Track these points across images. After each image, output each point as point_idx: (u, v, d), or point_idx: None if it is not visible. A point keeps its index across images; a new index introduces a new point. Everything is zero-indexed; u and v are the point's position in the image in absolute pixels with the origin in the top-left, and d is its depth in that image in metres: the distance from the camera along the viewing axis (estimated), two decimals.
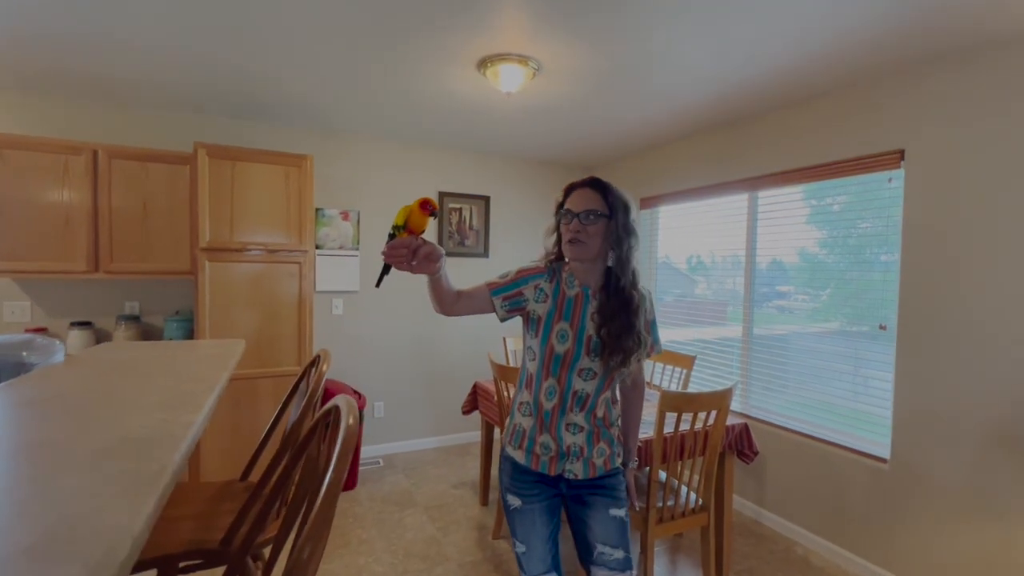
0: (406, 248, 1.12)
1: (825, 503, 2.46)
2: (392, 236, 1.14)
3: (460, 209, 3.83)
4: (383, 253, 1.13)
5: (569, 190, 1.36)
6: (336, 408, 0.92)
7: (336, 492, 0.72)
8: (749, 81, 2.35)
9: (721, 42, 1.97)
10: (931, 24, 1.78)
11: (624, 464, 1.45)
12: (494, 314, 1.34)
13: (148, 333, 2.91)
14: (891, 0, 1.64)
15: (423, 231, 1.17)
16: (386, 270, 1.20)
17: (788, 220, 2.76)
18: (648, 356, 1.38)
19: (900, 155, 2.19)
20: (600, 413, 1.36)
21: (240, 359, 2.24)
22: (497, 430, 2.63)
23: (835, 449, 2.43)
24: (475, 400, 2.92)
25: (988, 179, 1.91)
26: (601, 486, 1.36)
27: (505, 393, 2.36)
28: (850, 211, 2.47)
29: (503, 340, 3.23)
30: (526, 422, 1.37)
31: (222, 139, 3.04)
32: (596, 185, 1.32)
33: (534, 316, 1.34)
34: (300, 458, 1.06)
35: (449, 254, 3.79)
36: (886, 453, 2.24)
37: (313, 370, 1.50)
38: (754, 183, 2.87)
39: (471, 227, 3.87)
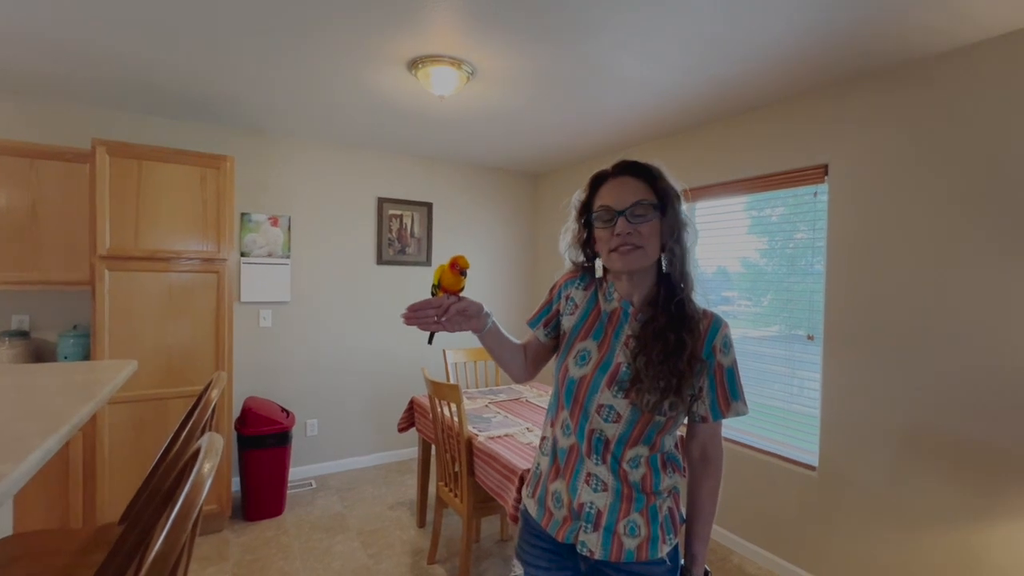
0: (435, 308, 1.01)
1: (759, 512, 2.48)
2: (433, 295, 1.10)
3: (401, 216, 3.68)
4: (403, 316, 1.02)
5: (597, 181, 1.04)
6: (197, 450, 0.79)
7: (167, 562, 0.60)
8: (685, 92, 2.37)
9: (657, 54, 1.96)
10: (852, 43, 1.84)
11: (684, 571, 1.04)
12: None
13: (39, 351, 2.59)
14: (814, 21, 1.67)
15: (460, 289, 1.10)
16: None
17: (729, 229, 2.80)
18: (715, 416, 1.00)
19: (824, 170, 2.26)
20: (635, 474, 0.98)
21: (126, 382, 2.00)
22: (435, 447, 2.50)
23: (769, 458, 2.46)
24: (412, 416, 2.78)
25: (904, 194, 1.99)
26: None
27: (440, 410, 2.25)
28: (787, 222, 2.54)
29: (443, 353, 3.12)
30: (544, 463, 1.09)
31: (131, 136, 2.78)
32: (637, 170, 0.99)
33: (563, 332, 1.11)
34: (165, 506, 0.91)
35: (389, 262, 3.63)
36: (815, 461, 2.28)
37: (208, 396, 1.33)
38: (692, 194, 2.91)
39: (412, 234, 3.73)
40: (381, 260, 3.60)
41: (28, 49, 2.05)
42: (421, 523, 2.76)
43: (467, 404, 2.61)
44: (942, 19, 1.65)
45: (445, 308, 1.01)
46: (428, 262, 3.79)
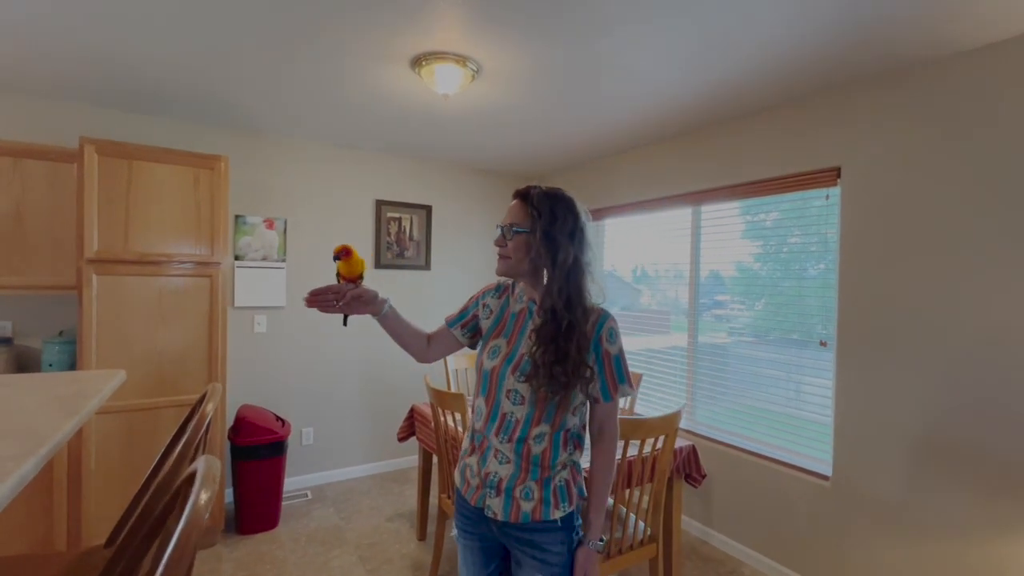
0: (334, 293, 1.19)
1: (771, 522, 2.42)
2: (337, 282, 1.26)
3: (399, 219, 3.60)
4: (304, 299, 1.18)
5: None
6: (192, 475, 0.71)
7: None
8: (694, 93, 2.32)
9: (666, 52, 1.91)
10: (864, 45, 1.79)
11: (579, 540, 1.17)
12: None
13: (22, 358, 2.48)
14: (826, 21, 1.63)
15: (356, 275, 1.27)
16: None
17: (728, 234, 2.76)
18: (606, 397, 1.16)
19: (836, 172, 2.21)
20: (537, 450, 1.14)
21: (115, 393, 1.91)
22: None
23: (779, 467, 2.40)
24: (412, 425, 2.69)
25: (920, 195, 1.94)
26: (528, 541, 1.13)
27: (442, 419, 2.16)
28: (781, 226, 2.51)
29: (444, 360, 3.03)
30: (466, 441, 1.28)
31: (120, 135, 2.68)
32: (521, 194, 1.20)
33: (481, 332, 1.30)
34: (155, 533, 0.83)
35: (388, 266, 3.55)
36: (828, 470, 2.22)
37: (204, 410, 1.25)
38: (698, 197, 2.86)
39: (411, 238, 3.66)
40: (379, 264, 3.52)
41: (12, 43, 1.96)
42: (422, 536, 2.67)
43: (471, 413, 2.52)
44: (959, 19, 1.61)
45: (343, 294, 1.19)
46: (427, 266, 3.71)
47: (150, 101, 2.59)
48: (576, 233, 1.15)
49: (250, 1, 1.64)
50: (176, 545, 0.55)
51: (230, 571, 2.33)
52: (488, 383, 1.19)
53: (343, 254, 1.25)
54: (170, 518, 0.80)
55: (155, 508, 0.94)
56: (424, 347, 1.32)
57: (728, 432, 2.71)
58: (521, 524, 1.13)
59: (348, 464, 3.45)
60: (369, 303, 1.22)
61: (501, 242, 1.20)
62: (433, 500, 2.89)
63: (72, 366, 2.39)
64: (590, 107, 2.54)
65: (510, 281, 1.30)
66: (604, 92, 2.33)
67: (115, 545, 1.11)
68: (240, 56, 2.04)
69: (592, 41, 1.85)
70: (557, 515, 1.13)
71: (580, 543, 1.16)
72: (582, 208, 1.19)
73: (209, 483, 0.64)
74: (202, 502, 0.61)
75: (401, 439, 2.70)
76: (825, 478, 2.23)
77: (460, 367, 3.04)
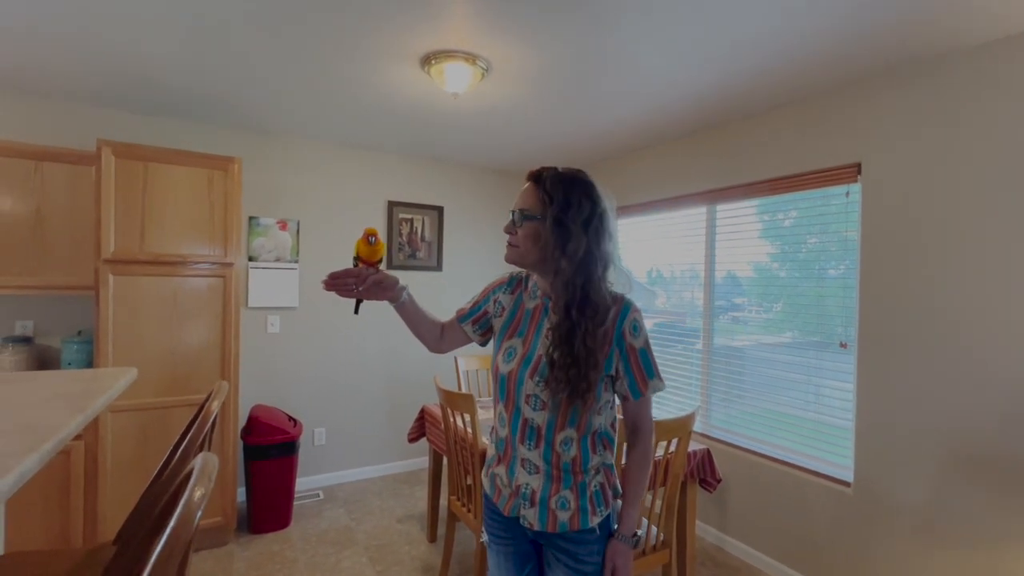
0: (353, 277, 1.13)
1: (789, 529, 2.35)
2: (355, 267, 1.21)
3: (411, 220, 3.61)
4: (323, 282, 1.13)
5: None
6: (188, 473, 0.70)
7: None
8: (707, 90, 2.27)
9: (678, 48, 1.87)
10: (883, 37, 1.74)
11: (608, 533, 1.11)
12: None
13: (43, 356, 2.53)
14: (844, 12, 1.58)
15: (377, 259, 1.21)
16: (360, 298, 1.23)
17: (744, 233, 2.70)
18: (635, 395, 1.10)
19: (857, 168, 2.15)
20: (567, 455, 1.08)
21: (130, 389, 1.93)
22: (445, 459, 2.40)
23: (798, 472, 2.33)
24: (422, 426, 2.68)
25: (944, 191, 1.87)
26: (564, 549, 1.09)
27: (452, 420, 2.15)
28: (799, 226, 2.45)
29: (455, 360, 3.02)
30: (491, 449, 1.22)
31: (136, 137, 2.73)
32: (534, 176, 1.10)
33: (494, 332, 1.24)
34: (157, 530, 0.82)
35: (399, 267, 3.55)
36: (849, 476, 2.15)
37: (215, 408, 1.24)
38: (713, 196, 2.80)
39: (423, 239, 3.65)
40: (391, 265, 3.52)
41: (31, 47, 2.00)
42: (432, 538, 2.65)
43: (480, 414, 2.50)
44: (982, 10, 1.54)
45: (363, 279, 1.13)
46: (439, 267, 3.71)
47: (165, 103, 2.63)
48: (593, 220, 1.05)
49: (261, 3, 1.65)
50: (166, 542, 0.54)
51: (242, 570, 2.34)
52: (506, 388, 1.12)
53: (374, 237, 1.19)
54: (167, 517, 0.79)
55: (156, 505, 0.93)
56: (438, 338, 1.26)
57: (745, 436, 2.64)
58: (559, 533, 1.09)
59: (360, 464, 3.45)
60: (389, 289, 1.15)
61: (510, 228, 1.11)
62: (443, 502, 2.87)
63: (90, 365, 2.43)
64: (601, 105, 2.51)
65: (523, 274, 1.22)
66: (615, 89, 2.30)
67: (119, 544, 1.11)
68: (251, 57, 2.06)
69: (602, 38, 1.82)
70: (595, 521, 1.08)
71: (611, 535, 1.11)
72: (603, 192, 1.09)
73: (203, 480, 0.63)
74: (195, 499, 0.60)
75: (412, 440, 2.69)
76: (846, 484, 2.15)
77: (471, 368, 3.02)
